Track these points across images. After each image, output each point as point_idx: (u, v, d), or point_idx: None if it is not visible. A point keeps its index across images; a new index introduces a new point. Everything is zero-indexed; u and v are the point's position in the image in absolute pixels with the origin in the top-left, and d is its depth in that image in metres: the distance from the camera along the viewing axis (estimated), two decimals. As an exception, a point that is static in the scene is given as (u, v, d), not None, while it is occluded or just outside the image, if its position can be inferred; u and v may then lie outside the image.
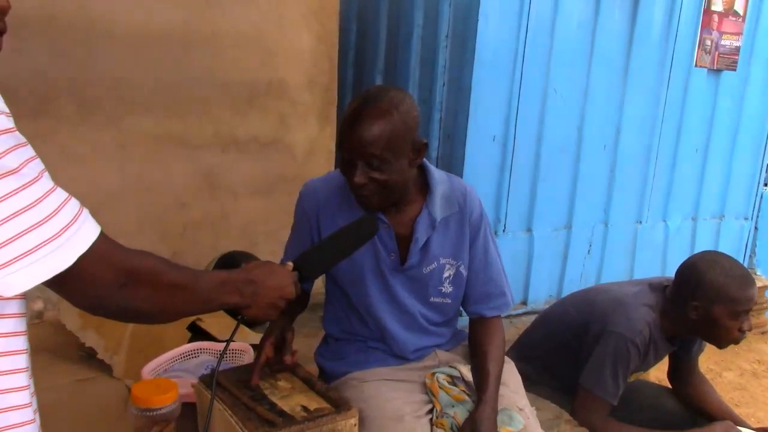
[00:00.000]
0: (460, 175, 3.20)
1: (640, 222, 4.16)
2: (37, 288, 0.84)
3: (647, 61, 3.81)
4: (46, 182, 0.84)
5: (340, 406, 1.53)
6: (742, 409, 3.31)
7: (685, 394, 2.34)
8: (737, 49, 4.16)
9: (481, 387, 1.64)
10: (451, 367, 1.73)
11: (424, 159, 1.66)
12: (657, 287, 2.16)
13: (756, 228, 4.81)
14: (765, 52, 4.34)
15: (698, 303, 1.98)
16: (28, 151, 0.84)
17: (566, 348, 2.22)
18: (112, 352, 2.12)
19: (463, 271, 1.73)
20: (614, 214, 3.98)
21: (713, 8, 4.01)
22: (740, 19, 4.13)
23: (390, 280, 1.67)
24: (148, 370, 1.89)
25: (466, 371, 1.70)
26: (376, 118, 1.46)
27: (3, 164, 0.79)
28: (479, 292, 1.77)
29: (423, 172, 1.68)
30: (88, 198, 2.70)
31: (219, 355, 2.06)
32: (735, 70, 4.20)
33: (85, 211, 0.89)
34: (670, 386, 2.42)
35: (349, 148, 1.48)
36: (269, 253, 2.89)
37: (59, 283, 0.86)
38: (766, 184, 4.85)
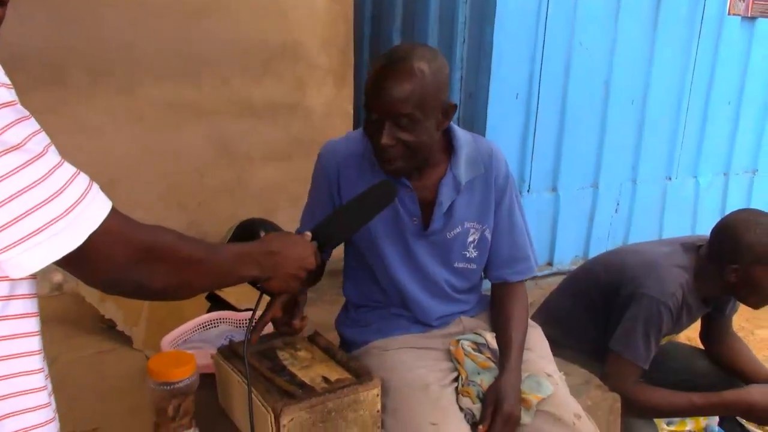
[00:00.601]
0: (483, 134, 3.11)
1: (670, 178, 4.04)
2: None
3: (677, 11, 3.63)
4: (53, 157, 0.80)
5: (361, 376, 1.50)
6: (776, 369, 3.22)
7: (719, 355, 2.28)
8: (773, -6, 3.96)
9: (505, 355, 1.60)
10: (475, 333, 1.68)
11: None
12: (690, 247, 2.08)
13: (790, 181, 4.65)
14: (803, -3, 4.12)
15: (738, 266, 1.90)
16: (32, 125, 0.79)
17: (595, 311, 2.16)
18: (131, 324, 2.11)
19: (488, 235, 1.67)
20: (643, 171, 3.85)
21: (748, -49, 3.80)
22: (776, -38, 3.92)
23: (413, 246, 1.61)
24: (168, 341, 1.87)
25: (491, 338, 1.65)
26: (407, 74, 1.39)
27: (4, 140, 0.75)
28: (503, 256, 1.72)
29: (447, 133, 1.62)
30: (102, 169, 2.67)
31: (243, 326, 2.05)
32: (771, 16, 4.00)
33: (95, 186, 0.84)
34: (702, 347, 2.36)
35: (378, 106, 1.41)
36: (289, 220, 2.84)
37: (71, 263, 0.82)
38: (801, 136, 4.66)
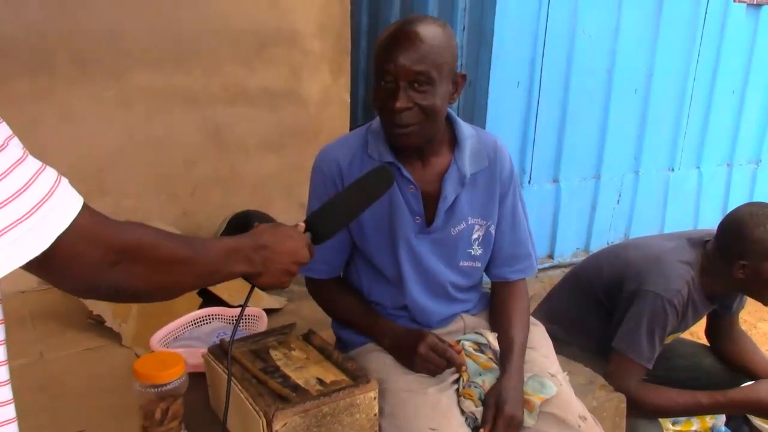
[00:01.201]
0: (483, 124, 3.04)
1: (672, 169, 3.98)
2: None
3: (682, -3, 3.56)
4: (14, 151, 0.71)
5: (358, 378, 1.43)
6: (781, 363, 3.17)
7: (725, 352, 2.24)
8: (779, -20, 3.88)
9: (506, 356, 1.55)
10: (477, 333, 1.61)
11: (450, 111, 1.54)
12: (696, 242, 2.01)
13: (794, 172, 4.59)
14: (809, -16, 4.04)
15: (746, 262, 1.84)
16: None
17: (598, 307, 2.10)
18: (120, 320, 2.04)
19: (493, 231, 1.61)
20: (645, 162, 3.80)
21: (754, -64, 3.72)
22: (783, -52, 3.84)
23: (415, 245, 1.54)
24: (157, 339, 1.80)
25: (493, 338, 1.59)
26: (422, 33, 1.37)
27: None
28: (505, 253, 1.66)
29: (450, 125, 1.56)
30: (91, 158, 2.60)
31: (234, 323, 1.99)
32: (776, 3, 3.92)
33: (64, 182, 0.76)
34: (707, 343, 2.30)
35: (394, 67, 1.36)
36: (283, 211, 2.78)
37: (39, 267, 0.75)
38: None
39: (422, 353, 1.47)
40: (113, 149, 2.49)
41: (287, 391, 1.37)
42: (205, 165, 2.73)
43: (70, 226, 0.75)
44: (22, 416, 0.85)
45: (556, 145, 3.42)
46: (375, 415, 1.42)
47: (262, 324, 1.97)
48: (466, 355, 1.56)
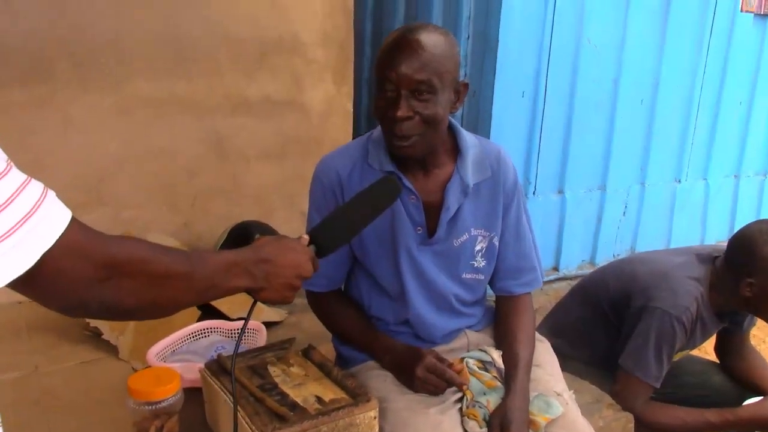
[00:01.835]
0: (487, 134, 3.00)
1: (679, 181, 3.93)
2: None
3: (688, 7, 3.52)
4: None
5: (358, 396, 1.39)
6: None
7: (735, 369, 2.19)
8: (787, -9, 3.84)
9: (511, 374, 1.50)
10: (481, 350, 1.57)
11: (453, 120, 1.51)
12: (705, 258, 1.97)
13: (802, 184, 4.54)
14: (817, -6, 4.00)
15: (754, 280, 1.80)
16: None
17: (605, 322, 2.06)
18: (117, 333, 2.01)
19: (497, 242, 1.57)
20: (651, 174, 3.75)
21: (762, -54, 3.69)
22: (791, -42, 3.80)
23: (417, 256, 1.51)
24: (154, 353, 1.76)
25: (498, 356, 1.55)
26: (425, 41, 1.34)
27: None
28: (509, 266, 1.62)
29: (452, 134, 1.52)
30: (90, 169, 2.56)
31: (235, 337, 1.95)
32: (784, 14, 3.88)
33: (51, 195, 0.73)
34: (717, 360, 2.25)
35: (395, 75, 1.34)
36: (285, 221, 2.75)
37: (25, 284, 0.71)
38: (813, 138, 4.55)
39: (420, 376, 1.43)
40: (113, 159, 2.47)
41: (285, 410, 1.33)
42: (206, 175, 2.70)
43: (57, 241, 0.71)
44: (15, 430, 0.82)
45: (561, 156, 3.37)
46: (375, 435, 1.38)
47: (261, 338, 1.93)
48: (470, 373, 1.52)
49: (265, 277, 1.06)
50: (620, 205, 3.69)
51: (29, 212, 0.69)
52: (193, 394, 1.56)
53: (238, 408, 1.35)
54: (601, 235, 3.65)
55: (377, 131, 1.51)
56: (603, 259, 3.67)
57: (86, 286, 0.78)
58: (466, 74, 3.12)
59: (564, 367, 1.72)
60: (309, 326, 2.15)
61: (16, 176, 0.69)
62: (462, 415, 1.46)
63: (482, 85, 3.07)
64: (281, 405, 1.35)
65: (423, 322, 1.56)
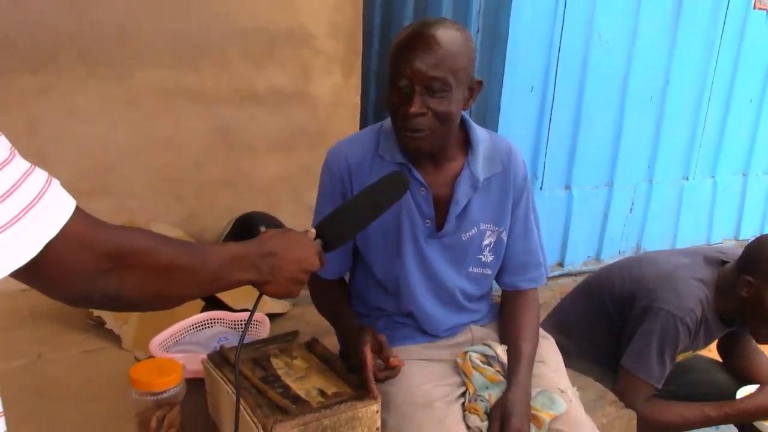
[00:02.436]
0: (495, 128, 2.99)
1: (687, 178, 3.91)
2: None
3: (701, 3, 3.49)
4: (1, 152, 0.67)
5: (361, 390, 1.38)
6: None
7: (738, 367, 2.19)
8: (801, -12, 3.80)
9: (513, 368, 1.50)
10: (485, 345, 1.56)
11: (465, 114, 1.50)
12: (713, 260, 1.95)
13: (811, 184, 4.51)
14: (831, -8, 3.96)
15: (751, 278, 1.79)
16: None
17: (609, 322, 2.05)
18: (121, 322, 2.01)
19: (505, 238, 1.56)
20: (659, 171, 3.73)
21: (776, -57, 3.65)
22: (806, -45, 3.76)
23: (425, 250, 1.50)
24: (157, 343, 1.77)
25: (502, 351, 1.54)
26: (441, 37, 1.33)
27: None
28: (516, 261, 1.61)
29: (463, 128, 1.52)
30: (96, 158, 2.56)
31: (238, 327, 1.95)
32: (797, 12, 3.84)
33: (55, 183, 0.72)
34: (720, 359, 2.24)
35: (410, 71, 1.33)
36: (291, 214, 2.74)
37: (27, 274, 0.70)
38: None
39: (352, 362, 1.41)
40: (119, 148, 2.46)
41: (287, 403, 1.33)
42: (212, 166, 2.69)
43: (60, 230, 0.71)
44: (17, 420, 0.82)
45: (569, 152, 3.35)
46: (377, 429, 1.38)
47: (265, 330, 1.93)
48: (473, 367, 1.51)
49: (270, 271, 1.05)
50: (627, 201, 3.67)
51: (33, 201, 0.68)
52: (195, 385, 1.56)
53: (240, 400, 1.35)
54: (607, 231, 3.63)
55: (388, 122, 1.50)
56: (608, 256, 3.66)
57: (89, 276, 0.78)
58: (475, 68, 3.10)
59: (567, 364, 1.72)
60: (312, 319, 2.13)
61: (20, 164, 0.69)
62: (464, 410, 1.46)
63: (491, 80, 3.05)
64: (284, 397, 1.35)
65: (426, 315, 1.56)
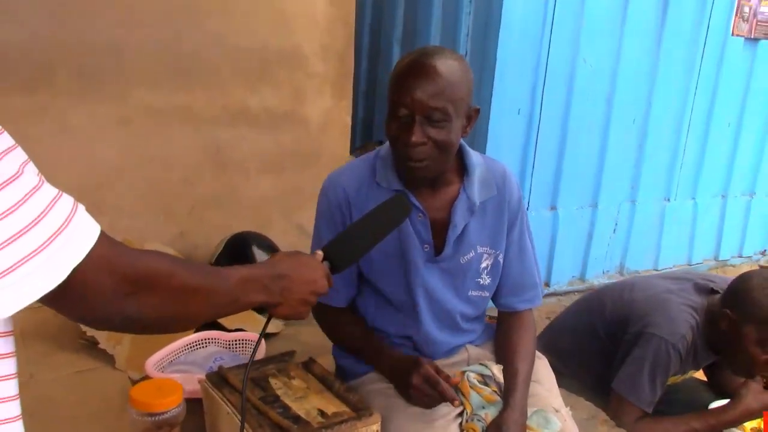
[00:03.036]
0: (483, 150, 3.03)
1: (668, 200, 3.98)
2: None
3: (681, 30, 3.59)
4: (30, 178, 0.69)
5: (360, 410, 1.40)
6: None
7: (723, 386, 2.20)
8: (776, 16, 3.92)
9: (510, 388, 1.51)
10: (481, 365, 1.58)
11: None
12: (703, 288, 1.99)
13: (787, 205, 4.61)
14: (805, 20, 4.08)
15: (731, 312, 1.82)
16: (4, 141, 0.69)
17: (599, 345, 2.08)
18: (114, 342, 2.00)
19: (501, 260, 1.59)
20: (642, 192, 3.80)
21: (752, -28, 3.77)
22: (780, -16, 3.88)
23: (424, 274, 1.52)
24: (152, 363, 1.76)
25: (498, 371, 1.56)
26: (441, 67, 1.35)
27: None
28: (512, 283, 1.64)
29: (459, 152, 1.54)
30: (88, 176, 2.55)
31: (233, 347, 1.95)
32: (773, 39, 3.96)
33: (81, 209, 0.73)
34: (705, 379, 2.28)
35: (409, 101, 1.34)
36: (282, 233, 2.74)
37: (53, 298, 0.71)
38: (799, 160, 4.62)
39: (415, 384, 1.42)
40: (111, 167, 2.46)
41: (288, 423, 1.33)
42: (204, 185, 2.70)
43: (87, 255, 0.72)
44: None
45: (554, 173, 3.41)
46: (377, 448, 1.39)
47: (261, 350, 1.93)
48: (470, 387, 1.53)
49: (281, 293, 1.06)
50: (611, 222, 3.73)
51: (61, 226, 0.69)
52: (191, 405, 1.56)
53: (241, 420, 1.36)
54: (592, 251, 3.69)
55: (384, 149, 1.52)
56: (593, 276, 3.71)
57: (112, 299, 0.78)
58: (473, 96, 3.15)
59: (559, 384, 1.74)
60: (306, 338, 2.15)
61: (48, 191, 0.70)
62: (461, 429, 1.47)
63: (479, 102, 3.10)
64: (284, 418, 1.35)
65: (429, 338, 1.57)
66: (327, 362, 1.69)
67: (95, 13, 2.37)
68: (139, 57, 2.48)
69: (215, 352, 1.91)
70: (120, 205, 2.45)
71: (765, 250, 4.61)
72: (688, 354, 1.89)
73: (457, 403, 1.43)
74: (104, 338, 2.01)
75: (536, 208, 3.41)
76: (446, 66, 1.35)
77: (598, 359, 2.05)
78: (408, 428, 1.42)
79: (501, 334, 1.66)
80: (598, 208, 3.64)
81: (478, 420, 1.48)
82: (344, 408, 1.42)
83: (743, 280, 1.89)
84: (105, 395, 1.81)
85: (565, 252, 3.56)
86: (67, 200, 0.72)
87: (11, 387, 0.78)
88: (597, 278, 3.72)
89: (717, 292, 1.97)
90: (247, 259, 2.36)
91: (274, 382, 1.52)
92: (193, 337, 1.93)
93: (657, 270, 3.97)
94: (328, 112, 2.89)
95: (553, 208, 3.48)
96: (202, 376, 1.54)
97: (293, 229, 2.76)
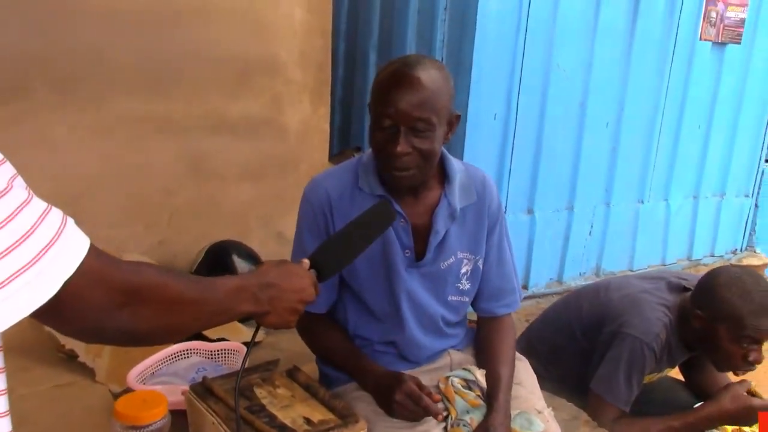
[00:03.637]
0: (461, 155, 3.06)
1: (642, 201, 4.06)
2: None
3: (651, 35, 3.67)
4: (19, 193, 0.69)
5: (346, 417, 1.40)
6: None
7: (700, 386, 2.24)
8: (742, 21, 4.03)
9: (492, 393, 1.53)
10: (465, 369, 1.60)
11: None
12: (675, 286, 2.03)
13: (756, 205, 4.73)
14: (770, 24, 4.20)
15: (702, 313, 1.86)
16: None
17: (577, 346, 2.11)
18: (94, 354, 1.97)
19: (481, 265, 1.61)
20: (616, 194, 3.87)
21: (719, -22, 3.86)
22: (746, -10, 3.99)
23: (405, 279, 1.53)
24: (134, 375, 1.74)
25: (481, 375, 1.58)
26: (424, 78, 1.36)
27: None
28: (492, 288, 1.66)
29: (440, 159, 1.55)
30: (67, 186, 2.52)
31: (215, 358, 1.94)
32: (739, 43, 4.07)
33: (70, 223, 0.73)
34: (682, 378, 2.32)
35: (395, 112, 1.36)
36: (261, 241, 2.74)
37: (46, 312, 0.71)
38: (767, 161, 4.74)
39: (398, 400, 1.43)
40: (90, 177, 2.43)
41: (274, 431, 1.34)
42: (183, 194, 2.68)
43: (77, 269, 0.72)
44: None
45: (531, 177, 3.46)
46: (364, 455, 1.40)
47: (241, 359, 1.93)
48: (454, 392, 1.55)
49: (269, 302, 1.07)
50: (587, 224, 3.79)
51: (51, 240, 0.69)
52: (175, 417, 1.54)
53: (227, 430, 1.36)
54: (569, 253, 3.74)
55: (367, 156, 1.53)
56: (570, 277, 3.76)
57: (104, 311, 0.79)
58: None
59: (540, 385, 1.76)
60: (287, 346, 2.14)
61: (38, 205, 0.70)
62: (447, 434, 1.49)
63: (456, 108, 3.13)
64: (271, 427, 1.35)
65: (413, 343, 1.58)
66: (311, 370, 1.70)
67: (73, 23, 2.34)
68: (118, 66, 2.46)
69: (198, 362, 1.89)
70: (99, 214, 2.42)
71: (736, 249, 4.72)
72: (662, 352, 1.92)
73: (440, 417, 1.44)
74: (83, 351, 1.99)
75: (513, 211, 3.45)
76: (429, 76, 1.37)
77: (577, 360, 2.08)
78: (394, 434, 1.44)
79: (481, 339, 1.68)
80: (574, 211, 3.69)
81: (464, 425, 1.50)
82: (330, 415, 1.42)
83: (710, 277, 1.92)
84: (86, 409, 1.78)
85: (542, 255, 3.61)
86: (56, 214, 0.72)
87: (2, 403, 0.78)
88: (574, 280, 3.77)
89: (689, 289, 2.01)
90: (228, 267, 2.35)
91: (259, 392, 1.52)
92: (175, 347, 1.91)
93: (632, 271, 4.04)
94: (306, 119, 2.90)
95: (530, 211, 3.53)
96: (186, 387, 1.54)
97: (273, 236, 2.75)
